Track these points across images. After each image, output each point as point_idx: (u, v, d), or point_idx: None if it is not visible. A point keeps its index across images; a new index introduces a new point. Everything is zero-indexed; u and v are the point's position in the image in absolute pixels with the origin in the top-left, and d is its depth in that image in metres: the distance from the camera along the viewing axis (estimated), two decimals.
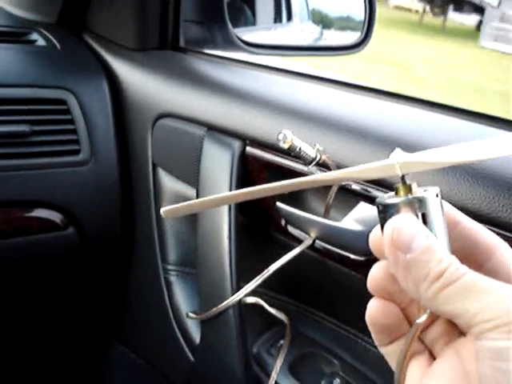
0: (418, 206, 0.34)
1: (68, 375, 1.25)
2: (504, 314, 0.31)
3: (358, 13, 1.29)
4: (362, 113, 0.81)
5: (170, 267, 0.96)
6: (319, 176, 0.36)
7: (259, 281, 0.80)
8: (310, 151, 0.70)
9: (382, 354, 0.82)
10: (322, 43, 1.44)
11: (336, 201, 0.76)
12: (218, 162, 0.84)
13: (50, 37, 1.06)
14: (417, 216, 0.34)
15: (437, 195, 0.34)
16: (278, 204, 0.81)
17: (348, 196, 0.74)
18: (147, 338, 1.06)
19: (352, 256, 0.75)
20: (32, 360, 1.21)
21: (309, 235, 0.79)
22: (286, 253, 0.80)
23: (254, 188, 0.36)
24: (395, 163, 0.34)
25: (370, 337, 0.85)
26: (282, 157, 0.79)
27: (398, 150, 0.34)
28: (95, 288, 1.12)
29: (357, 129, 0.74)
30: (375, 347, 0.82)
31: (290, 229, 0.82)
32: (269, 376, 0.82)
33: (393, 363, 0.38)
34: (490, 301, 0.31)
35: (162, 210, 0.36)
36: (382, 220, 0.35)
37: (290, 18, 1.63)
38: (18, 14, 1.16)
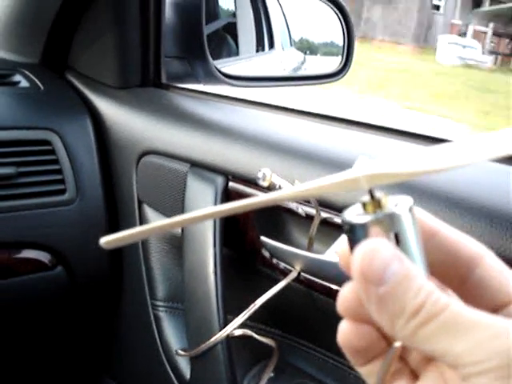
0: (389, 224, 0.30)
1: None
2: (494, 356, 0.27)
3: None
4: (344, 146, 0.82)
5: (158, 303, 0.97)
6: (276, 194, 0.31)
7: (246, 315, 0.80)
8: (288, 187, 0.71)
9: None
10: (301, 73, 1.46)
11: (319, 234, 0.77)
12: (201, 198, 0.86)
13: (33, 78, 1.07)
14: (388, 237, 0.30)
15: (410, 209, 0.30)
16: (263, 238, 0.82)
17: (331, 229, 0.75)
18: (138, 374, 1.06)
19: (336, 287, 0.76)
20: None
21: (294, 268, 0.80)
22: (272, 285, 0.80)
23: (200, 212, 0.31)
24: (360, 176, 0.29)
25: None
26: (264, 191, 0.80)
27: (362, 158, 0.29)
28: (85, 325, 1.12)
29: (339, 162, 0.76)
30: None
31: (275, 262, 0.83)
32: None
33: (370, 382, 0.34)
34: (478, 339, 0.27)
35: (101, 241, 0.32)
36: (350, 240, 0.31)
37: (272, 45, 1.66)
38: (1, 55, 1.17)
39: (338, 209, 0.72)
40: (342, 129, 0.88)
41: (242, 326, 0.87)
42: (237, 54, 1.49)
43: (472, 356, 0.27)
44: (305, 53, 1.70)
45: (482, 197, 0.63)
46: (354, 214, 0.31)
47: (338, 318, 0.79)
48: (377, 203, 0.30)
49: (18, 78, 1.07)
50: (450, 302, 0.28)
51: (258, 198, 0.30)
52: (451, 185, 0.65)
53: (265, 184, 0.69)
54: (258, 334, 0.91)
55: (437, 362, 0.31)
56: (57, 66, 1.14)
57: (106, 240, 0.32)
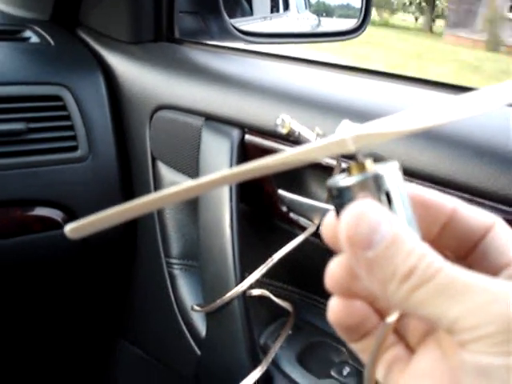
0: (377, 185, 0.28)
1: (75, 375, 1.24)
2: (492, 321, 0.25)
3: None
4: (362, 95, 0.80)
5: (173, 261, 0.95)
6: (260, 163, 0.28)
7: (263, 270, 0.78)
8: (309, 135, 0.69)
9: None
10: (319, 30, 1.43)
11: None
12: (217, 152, 0.83)
13: (44, 34, 1.05)
14: (377, 199, 0.28)
15: (396, 169, 0.29)
16: (280, 191, 0.80)
17: None
18: (153, 334, 1.05)
19: None
20: (38, 361, 1.20)
21: (312, 222, 0.78)
22: (289, 241, 0.78)
23: (186, 185, 0.28)
24: (346, 138, 0.28)
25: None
26: (281, 143, 0.78)
27: (346, 122, 0.28)
28: (99, 285, 1.11)
29: (357, 111, 0.73)
30: None
31: (293, 216, 0.80)
32: (277, 366, 0.81)
33: (365, 359, 0.33)
34: (474, 303, 0.26)
35: (66, 229, 0.29)
36: (337, 206, 0.29)
37: (287, 7, 1.62)
38: (11, 11, 1.15)
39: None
40: (359, 78, 0.85)
41: (259, 283, 0.85)
42: (251, 14, 1.46)
43: (468, 321, 0.25)
44: (321, 15, 1.66)
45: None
46: (340, 179, 0.29)
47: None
48: (362, 166, 0.29)
49: (28, 33, 1.05)
50: (445, 264, 0.27)
51: (248, 166, 0.28)
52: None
53: (284, 131, 0.67)
54: (275, 292, 0.89)
55: (434, 333, 0.31)
56: (68, 22, 1.11)
57: (70, 228, 0.29)
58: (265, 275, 0.80)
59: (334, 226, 0.30)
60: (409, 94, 0.80)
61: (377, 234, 0.27)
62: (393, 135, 0.27)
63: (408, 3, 16.36)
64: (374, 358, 0.31)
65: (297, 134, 0.67)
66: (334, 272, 0.31)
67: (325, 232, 0.32)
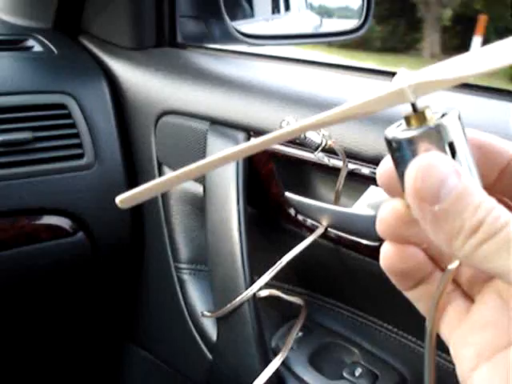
0: (440, 136, 0.27)
1: (85, 380, 1.24)
2: None
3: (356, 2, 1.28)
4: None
5: (182, 265, 0.95)
6: (316, 118, 0.28)
7: (273, 273, 0.78)
8: (315, 137, 0.69)
9: (403, 341, 0.80)
10: (321, 30, 1.43)
11: (345, 187, 0.75)
12: None
13: (47, 42, 1.05)
14: (442, 150, 0.27)
15: (458, 117, 0.28)
16: (287, 194, 0.80)
17: (357, 181, 0.73)
18: (164, 339, 1.05)
19: (365, 242, 0.74)
20: (48, 365, 1.21)
21: (320, 224, 0.78)
22: (297, 243, 0.78)
23: (215, 156, 0.29)
24: (405, 87, 0.26)
25: (389, 323, 0.83)
26: (287, 146, 0.78)
27: (402, 70, 0.27)
28: (108, 291, 1.11)
29: None
30: (395, 334, 0.81)
31: (301, 218, 0.80)
32: (288, 368, 0.81)
33: (421, 308, 0.33)
34: None
35: (116, 200, 0.29)
36: (396, 160, 0.28)
37: (287, 7, 1.62)
38: (13, 21, 1.15)
39: (366, 159, 0.69)
40: (362, 78, 0.85)
41: (268, 286, 0.85)
42: (252, 16, 1.46)
43: None
44: (322, 16, 1.66)
45: None
46: (399, 131, 0.28)
47: (366, 275, 0.77)
48: (422, 116, 0.27)
49: (31, 42, 1.05)
50: (511, 218, 0.26)
51: (301, 124, 0.28)
52: None
53: None
54: (285, 294, 0.89)
55: (493, 282, 0.30)
56: (70, 29, 1.11)
57: (121, 198, 0.29)
58: (274, 278, 0.80)
59: (390, 174, 0.29)
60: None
61: (444, 187, 0.26)
62: (453, 82, 0.26)
63: None
64: (436, 307, 0.31)
65: (302, 136, 0.67)
66: (385, 218, 0.30)
67: (380, 179, 0.31)
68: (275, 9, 1.59)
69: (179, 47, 1.05)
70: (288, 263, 0.78)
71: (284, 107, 0.79)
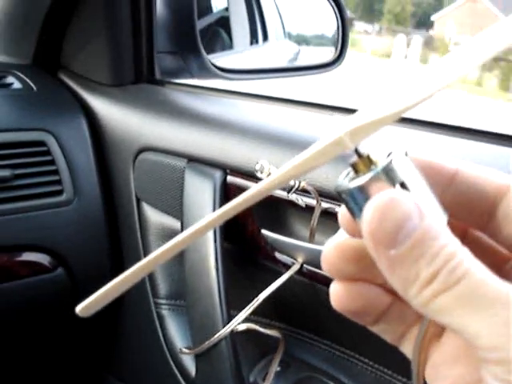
0: (391, 178, 0.26)
1: None
2: None
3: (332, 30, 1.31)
4: None
5: (161, 301, 0.96)
6: (265, 183, 0.27)
7: (250, 310, 0.79)
8: None
9: (379, 374, 0.81)
10: (297, 63, 1.45)
11: (321, 224, 0.76)
12: (200, 193, 0.85)
13: (26, 79, 1.06)
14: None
15: (405, 154, 0.27)
16: (264, 231, 0.81)
17: (332, 219, 0.74)
18: (143, 374, 1.05)
19: None
20: None
21: (296, 260, 0.79)
22: (275, 278, 0.79)
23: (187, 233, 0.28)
24: (342, 135, 0.25)
25: (366, 357, 0.84)
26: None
27: (336, 117, 0.26)
28: (88, 326, 1.11)
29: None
30: (371, 367, 0.82)
31: (278, 255, 0.82)
32: None
33: (389, 340, 0.31)
34: (498, 319, 0.23)
35: (77, 310, 0.28)
36: (354, 209, 0.27)
37: (266, 38, 1.65)
38: None
39: (339, 198, 0.71)
40: (341, 117, 0.87)
41: (246, 320, 0.86)
42: (231, 47, 1.48)
43: (489, 340, 0.23)
44: (298, 44, 1.69)
45: None
46: (348, 180, 0.27)
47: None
48: (368, 160, 0.27)
49: (10, 79, 1.06)
50: (471, 269, 0.24)
51: (247, 193, 0.27)
52: None
53: (263, 176, 0.68)
54: (263, 328, 0.90)
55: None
56: (49, 65, 1.12)
57: (80, 308, 0.28)
58: (251, 313, 0.81)
59: (349, 217, 0.28)
60: (396, 132, 0.81)
61: (403, 230, 0.24)
62: (390, 119, 0.25)
63: None
64: (420, 353, 0.29)
65: None
66: (328, 256, 0.29)
67: (342, 223, 0.29)
68: (253, 39, 1.62)
69: (157, 84, 1.07)
70: (265, 298, 0.79)
71: (260, 146, 0.80)
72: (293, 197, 0.73)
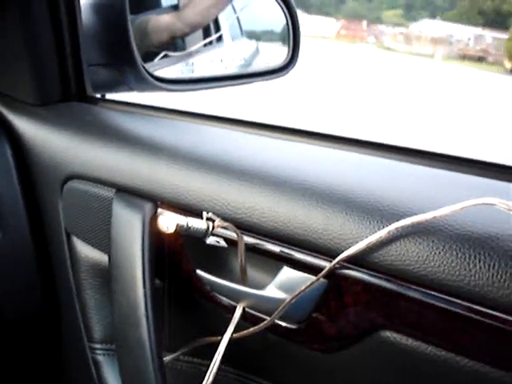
0: None
1: None
2: None
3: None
4: (283, 159, 0.73)
5: (96, 345, 0.87)
6: None
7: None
8: (199, 224, 0.67)
9: None
10: (246, 70, 1.35)
11: (261, 263, 0.68)
12: (128, 227, 0.75)
13: None
14: None
15: None
16: (199, 272, 0.72)
17: (266, 256, 0.66)
18: None
19: (283, 324, 0.67)
20: None
21: (236, 304, 0.71)
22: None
23: None
24: None
25: None
26: (195, 217, 0.70)
27: None
28: (21, 368, 1.02)
29: (276, 176, 0.67)
30: None
31: (216, 296, 0.73)
32: None
33: None
34: None
35: None
36: None
37: (220, 38, 1.55)
38: None
39: (262, 232, 0.65)
40: (280, 140, 0.78)
41: (190, 363, 0.78)
42: (183, 49, 1.39)
43: None
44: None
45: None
46: None
47: (289, 356, 0.70)
48: None
49: None
50: None
51: None
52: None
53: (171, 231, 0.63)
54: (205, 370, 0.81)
55: None
56: None
57: None
58: (196, 356, 0.73)
59: None
60: (339, 158, 0.74)
61: None
62: None
63: None
64: None
65: (185, 226, 0.67)
66: None
67: None
68: (207, 42, 1.52)
69: (88, 101, 0.96)
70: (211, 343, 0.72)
71: (193, 175, 0.72)
72: (210, 241, 0.66)
